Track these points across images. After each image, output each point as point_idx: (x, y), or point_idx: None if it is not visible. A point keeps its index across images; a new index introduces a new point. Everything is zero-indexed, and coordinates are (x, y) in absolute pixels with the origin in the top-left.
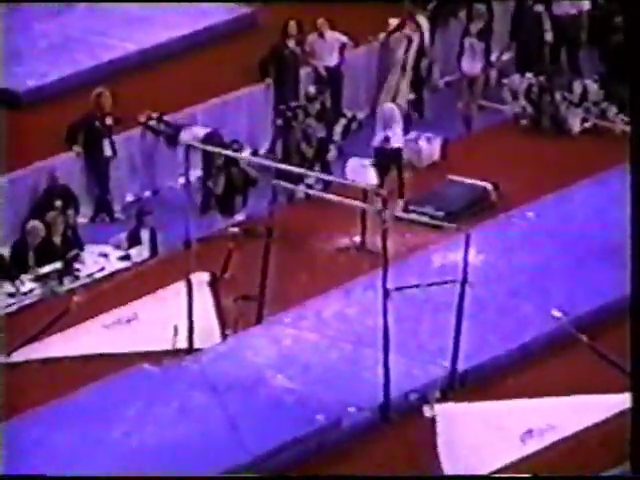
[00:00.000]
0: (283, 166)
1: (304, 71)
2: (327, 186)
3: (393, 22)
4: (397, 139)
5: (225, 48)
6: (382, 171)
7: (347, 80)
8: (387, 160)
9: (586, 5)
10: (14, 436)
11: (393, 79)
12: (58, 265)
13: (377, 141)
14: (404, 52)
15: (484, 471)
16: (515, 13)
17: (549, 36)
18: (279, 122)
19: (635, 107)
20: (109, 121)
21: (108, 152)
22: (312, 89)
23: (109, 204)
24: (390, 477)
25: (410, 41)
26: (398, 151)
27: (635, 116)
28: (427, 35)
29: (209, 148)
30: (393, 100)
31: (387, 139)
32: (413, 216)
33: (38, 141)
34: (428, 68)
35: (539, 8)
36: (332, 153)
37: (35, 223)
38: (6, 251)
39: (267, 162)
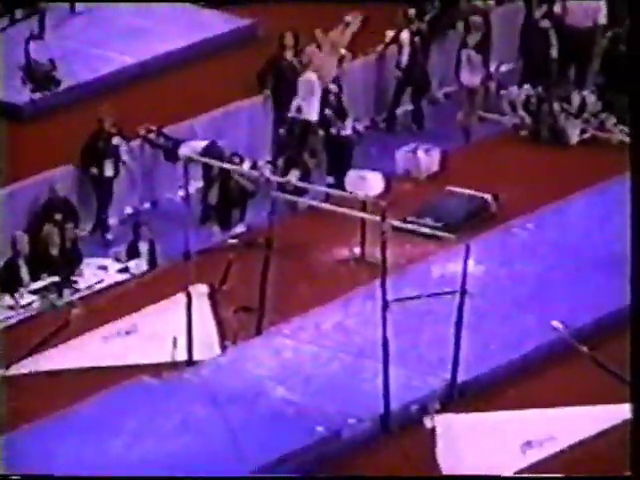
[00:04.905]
0: (281, 179)
1: None
2: (327, 198)
3: (390, 34)
4: (310, 111)
5: (224, 60)
6: (293, 140)
7: (345, 92)
8: (298, 130)
9: (602, 19)
10: (14, 449)
11: None
12: (56, 278)
13: (291, 111)
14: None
15: None
16: (523, 29)
17: (555, 52)
18: (282, 132)
19: (635, 117)
20: (115, 141)
21: (109, 172)
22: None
23: (105, 222)
24: (388, 477)
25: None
26: (308, 124)
27: (635, 126)
28: (406, 50)
29: (209, 161)
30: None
31: (299, 109)
32: (412, 227)
33: (38, 154)
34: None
35: (545, 24)
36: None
37: (19, 233)
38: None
39: (269, 176)
